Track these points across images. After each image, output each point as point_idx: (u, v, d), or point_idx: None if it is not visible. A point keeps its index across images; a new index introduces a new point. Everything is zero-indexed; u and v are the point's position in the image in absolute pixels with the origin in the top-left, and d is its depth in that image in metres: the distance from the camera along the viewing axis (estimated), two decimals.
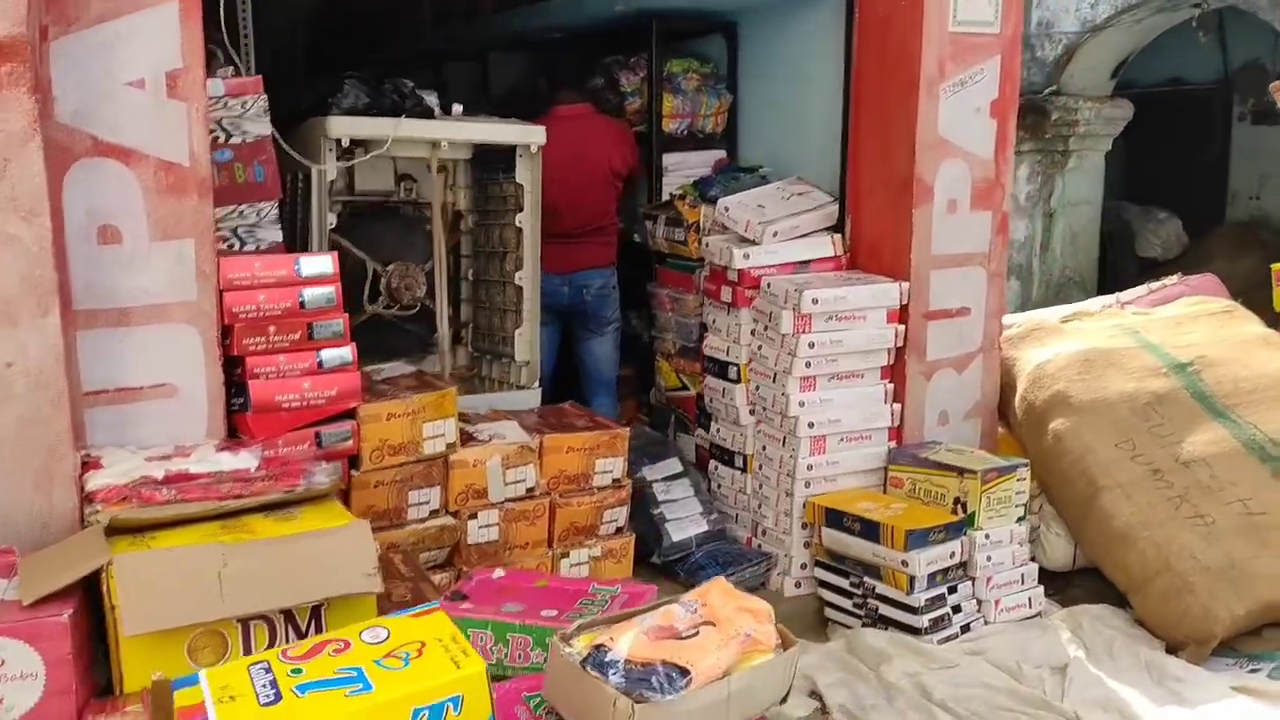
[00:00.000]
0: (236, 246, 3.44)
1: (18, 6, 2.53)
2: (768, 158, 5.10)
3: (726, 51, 5.26)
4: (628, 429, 3.90)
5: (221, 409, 3.05)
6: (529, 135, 4.11)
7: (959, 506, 4.09)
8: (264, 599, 2.33)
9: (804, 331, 4.14)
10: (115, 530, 2.45)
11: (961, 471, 4.10)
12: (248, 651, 2.35)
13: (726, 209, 4.52)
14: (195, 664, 2.30)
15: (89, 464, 2.73)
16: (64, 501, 2.66)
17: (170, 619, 2.27)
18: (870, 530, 3.99)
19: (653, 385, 5.23)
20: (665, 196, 5.03)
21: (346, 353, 3.21)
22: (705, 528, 4.42)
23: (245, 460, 2.85)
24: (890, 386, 4.36)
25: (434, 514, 3.47)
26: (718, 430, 4.61)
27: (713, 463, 4.66)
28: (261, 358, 3.07)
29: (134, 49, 2.82)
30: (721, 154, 5.23)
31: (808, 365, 4.17)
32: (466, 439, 3.58)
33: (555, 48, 5.80)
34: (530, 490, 3.63)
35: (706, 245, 4.55)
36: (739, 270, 4.37)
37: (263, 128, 3.44)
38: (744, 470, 4.50)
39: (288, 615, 2.40)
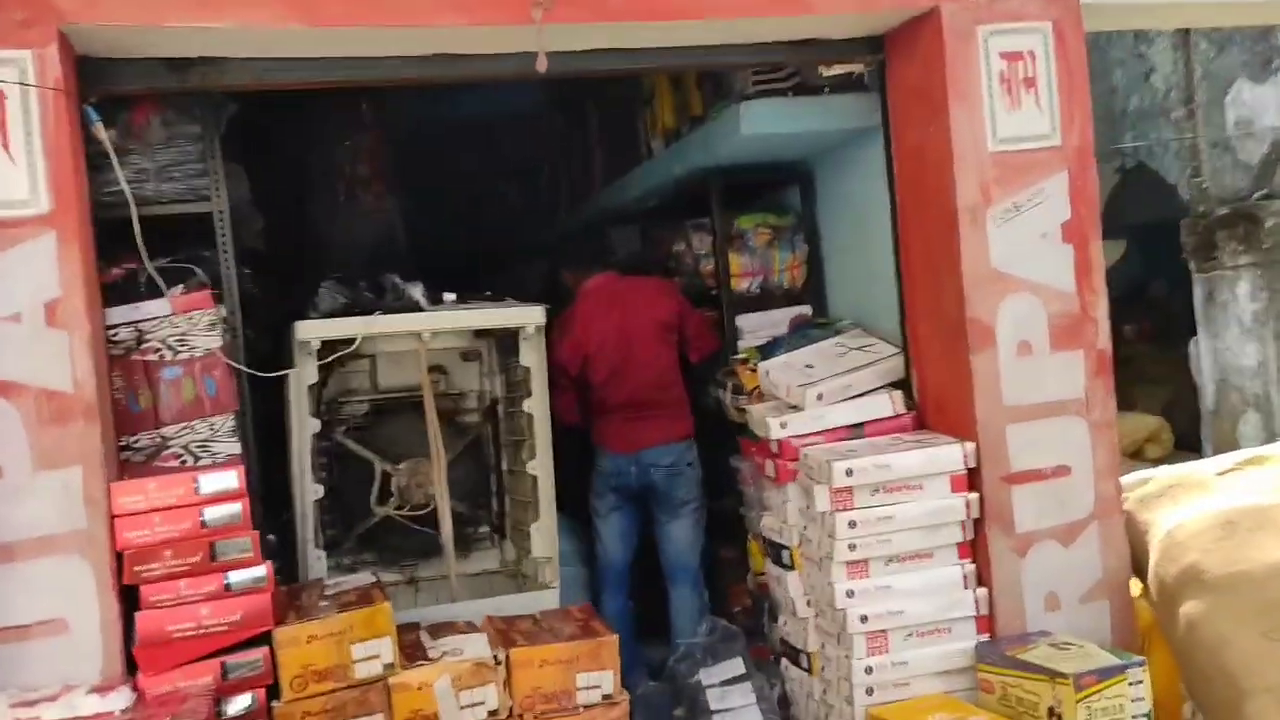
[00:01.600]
0: (190, 462, 3.38)
1: None
2: (851, 310, 4.61)
3: (801, 201, 4.86)
4: (615, 637, 3.42)
5: (118, 643, 2.89)
6: (524, 317, 3.86)
7: None
8: None
9: (843, 508, 3.55)
10: None
11: (1054, 675, 3.31)
12: None
13: (767, 373, 4.05)
14: None
15: None
16: None
17: None
18: None
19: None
20: None
21: (259, 572, 3.00)
22: None
23: (113, 703, 2.67)
24: (971, 567, 3.65)
25: None
26: (784, 623, 4.03)
27: (783, 661, 4.07)
28: (157, 585, 2.91)
29: (6, 285, 2.84)
30: (800, 310, 4.76)
31: (851, 548, 3.56)
32: (416, 656, 3.24)
33: (654, 213, 5.63)
34: (493, 714, 3.22)
35: (749, 414, 4.08)
36: (778, 441, 3.86)
37: (212, 341, 3.39)
38: (809, 671, 3.87)
39: None
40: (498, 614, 3.71)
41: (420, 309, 3.76)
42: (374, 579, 3.47)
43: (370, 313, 3.69)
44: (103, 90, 3.23)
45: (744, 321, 4.73)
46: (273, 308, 4.16)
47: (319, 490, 3.77)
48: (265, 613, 3.00)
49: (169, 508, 2.96)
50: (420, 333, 3.76)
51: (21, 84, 2.87)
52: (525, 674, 3.27)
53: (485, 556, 4.36)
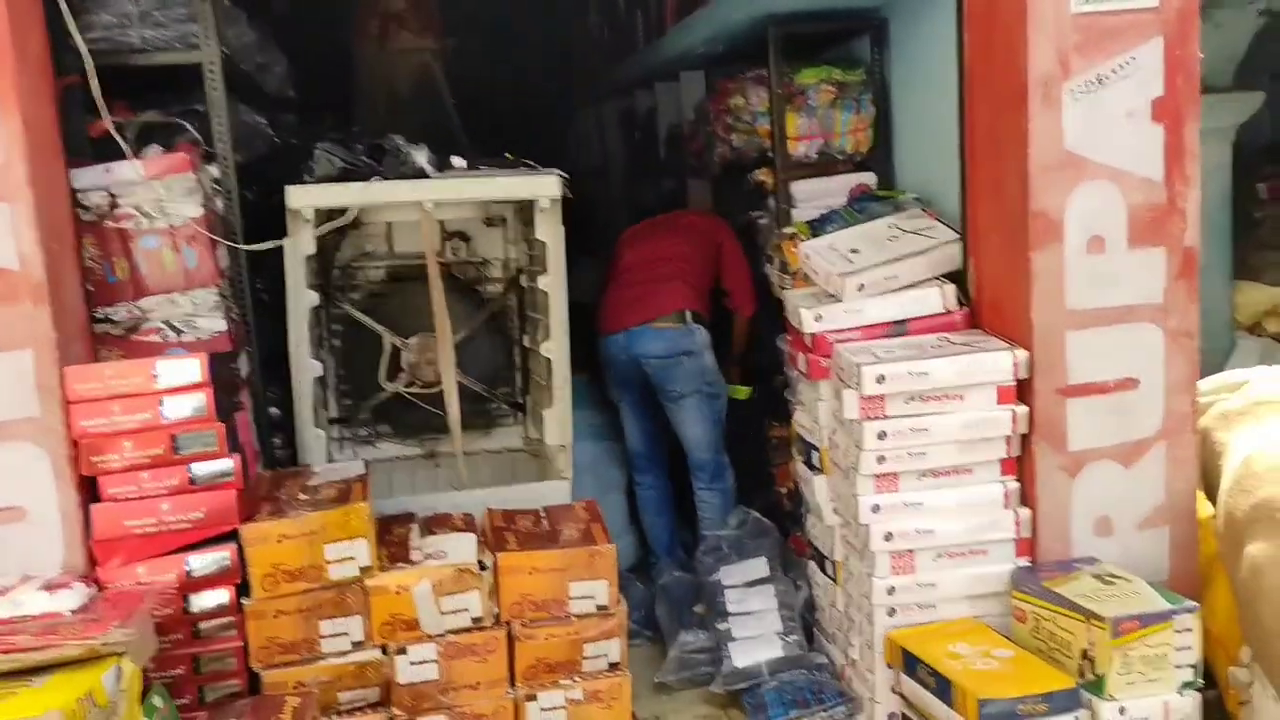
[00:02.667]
0: (173, 338, 3.20)
1: None
2: (919, 183, 4.13)
3: (871, 55, 4.32)
4: (612, 546, 3.18)
5: (80, 534, 2.78)
6: (537, 188, 3.51)
7: (1087, 663, 2.99)
8: None
9: (872, 417, 3.22)
10: None
11: (1090, 616, 2.98)
12: None
13: (807, 256, 3.66)
14: None
15: None
16: None
17: None
18: (943, 689, 3.01)
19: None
20: None
21: (226, 465, 2.84)
22: (779, 652, 3.62)
23: (66, 601, 2.55)
24: (1014, 486, 3.31)
25: (357, 646, 2.99)
26: (812, 526, 3.77)
27: (811, 565, 3.82)
28: (117, 477, 2.78)
29: None
30: (863, 179, 4.29)
31: (880, 460, 3.24)
32: (399, 556, 3.07)
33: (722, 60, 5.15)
34: (477, 620, 3.05)
35: (786, 300, 3.72)
36: (812, 335, 3.51)
37: (191, 208, 3.16)
38: (834, 580, 3.62)
39: None
40: (507, 503, 3.51)
41: (424, 175, 3.44)
42: (364, 470, 3.28)
43: (368, 179, 3.38)
44: None
45: (799, 189, 4.27)
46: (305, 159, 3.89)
47: (318, 367, 3.58)
48: (230, 510, 2.84)
49: (127, 395, 2.78)
50: (422, 202, 3.45)
51: None
52: (514, 580, 3.07)
53: (508, 434, 4.17)
